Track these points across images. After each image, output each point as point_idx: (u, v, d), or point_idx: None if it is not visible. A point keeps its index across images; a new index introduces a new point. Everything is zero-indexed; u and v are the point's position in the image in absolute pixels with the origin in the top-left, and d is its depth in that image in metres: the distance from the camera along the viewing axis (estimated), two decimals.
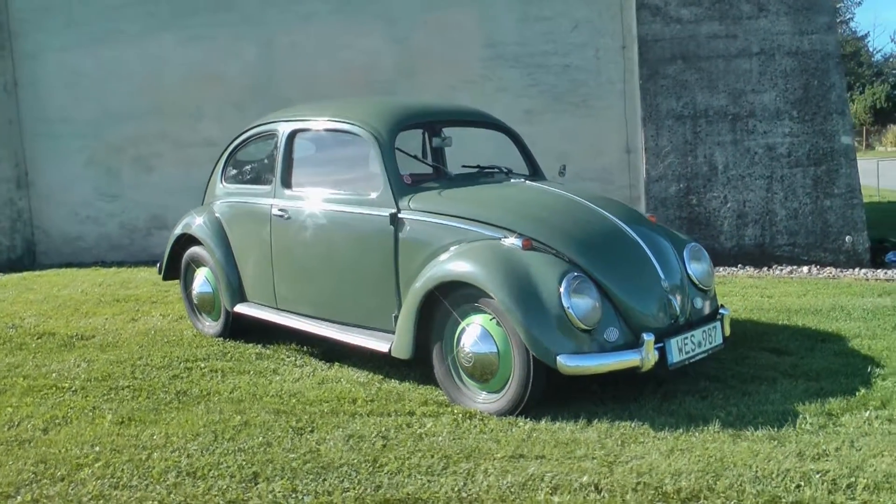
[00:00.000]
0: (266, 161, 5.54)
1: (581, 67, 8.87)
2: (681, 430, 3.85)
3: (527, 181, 4.98)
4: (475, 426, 4.05)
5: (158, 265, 6.46)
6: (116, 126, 9.53)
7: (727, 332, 4.58)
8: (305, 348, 5.57)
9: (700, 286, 4.69)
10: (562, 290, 4.00)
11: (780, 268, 7.94)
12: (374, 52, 9.24)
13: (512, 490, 3.31)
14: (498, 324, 4.15)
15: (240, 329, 5.84)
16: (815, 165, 7.99)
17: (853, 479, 3.27)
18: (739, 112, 8.15)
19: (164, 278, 6.41)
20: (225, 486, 3.49)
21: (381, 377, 4.92)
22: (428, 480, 3.45)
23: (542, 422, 4.04)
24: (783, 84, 8.06)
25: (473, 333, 4.24)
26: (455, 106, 6.05)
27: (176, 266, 6.26)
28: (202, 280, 5.98)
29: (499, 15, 8.99)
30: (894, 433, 3.76)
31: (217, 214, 5.87)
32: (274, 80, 9.35)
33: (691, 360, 4.28)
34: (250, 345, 5.72)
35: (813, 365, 4.80)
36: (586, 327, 4.01)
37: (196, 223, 5.95)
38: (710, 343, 4.41)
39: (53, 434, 4.20)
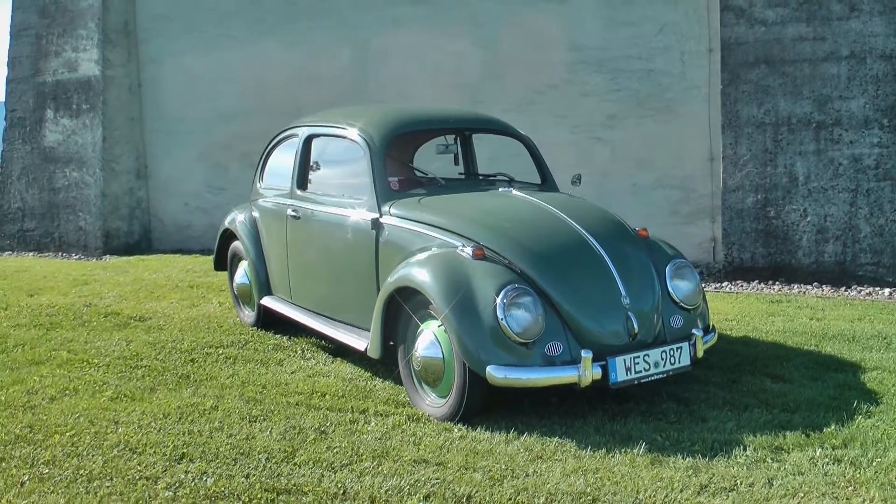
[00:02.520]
0: (288, 163, 5.87)
1: (665, 72, 8.60)
2: (602, 451, 3.79)
3: (515, 191, 4.99)
4: (410, 428, 4.17)
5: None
6: (225, 124, 10.25)
7: (699, 353, 4.41)
8: (322, 343, 5.85)
9: (682, 304, 4.55)
10: (498, 301, 4.03)
11: (859, 288, 7.38)
12: (461, 55, 9.39)
13: (388, 492, 3.43)
14: (446, 330, 4.24)
15: (273, 320, 6.21)
16: None
17: None
18: (824, 120, 7.63)
19: (216, 269, 6.92)
20: (150, 463, 3.83)
21: (369, 375, 5.12)
22: (322, 475, 3.63)
23: (476, 430, 4.10)
24: (874, 90, 7.47)
25: (426, 338, 4.35)
26: (467, 113, 6.10)
27: (225, 258, 6.74)
28: (242, 272, 6.41)
29: (584, 19, 8.88)
30: (829, 475, 3.53)
31: (253, 212, 6.28)
32: (366, 82, 9.72)
33: (644, 381, 4.17)
34: (277, 335, 6.08)
35: (803, 395, 4.52)
36: (523, 340, 4.02)
37: (237, 220, 6.39)
38: (672, 364, 4.27)
39: (56, 403, 4.72)
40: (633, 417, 4.21)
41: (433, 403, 4.35)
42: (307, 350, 5.71)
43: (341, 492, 3.47)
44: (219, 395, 4.81)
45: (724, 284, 7.79)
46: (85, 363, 5.50)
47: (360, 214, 5.00)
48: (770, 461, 3.68)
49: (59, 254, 10.32)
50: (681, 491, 3.36)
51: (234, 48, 10.15)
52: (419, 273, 4.32)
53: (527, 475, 3.54)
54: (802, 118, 7.71)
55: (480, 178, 5.59)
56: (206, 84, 10.32)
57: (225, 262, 6.74)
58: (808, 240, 7.67)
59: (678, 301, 4.55)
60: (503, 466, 3.64)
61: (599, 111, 8.90)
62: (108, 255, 10.06)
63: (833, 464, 3.64)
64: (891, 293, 7.24)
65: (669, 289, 4.55)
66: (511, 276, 4.16)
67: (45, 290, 7.86)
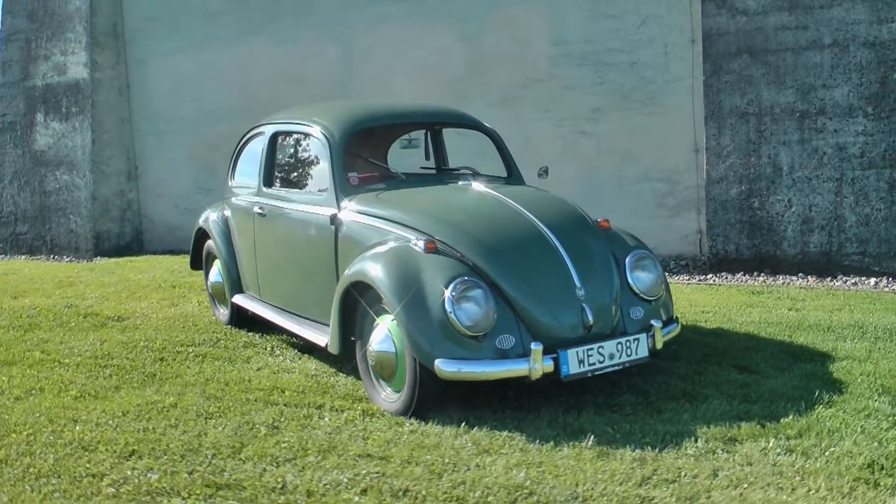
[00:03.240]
0: (257, 161, 5.85)
1: (649, 64, 8.53)
2: (549, 445, 3.74)
3: (475, 184, 4.94)
4: (362, 423, 4.14)
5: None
6: (212, 124, 10.27)
7: (658, 345, 4.35)
8: (293, 340, 5.82)
9: (642, 296, 4.50)
10: (447, 294, 3.99)
11: (845, 279, 7.29)
12: (445, 51, 9.36)
13: (325, 486, 3.40)
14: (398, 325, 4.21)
15: (246, 318, 6.20)
16: (891, 167, 7.25)
17: None
18: (808, 109, 7.54)
19: (193, 268, 6.92)
20: (100, 460, 3.81)
21: (333, 371, 5.10)
22: (264, 469, 3.60)
23: (428, 424, 4.06)
24: (857, 78, 7.37)
25: (380, 332, 4.32)
26: (431, 107, 6.06)
27: (201, 257, 6.74)
28: (216, 271, 6.41)
29: (566, 12, 8.83)
30: (778, 465, 3.47)
31: (225, 211, 6.27)
32: (352, 80, 9.72)
33: (598, 373, 4.12)
34: (250, 333, 6.06)
35: (767, 386, 4.45)
36: (473, 333, 3.98)
37: (210, 219, 6.38)
38: (629, 356, 4.21)
39: (20, 403, 4.72)
40: (588, 410, 4.16)
41: (388, 398, 4.33)
42: (277, 347, 5.69)
43: (280, 486, 3.44)
44: (181, 392, 4.79)
45: (708, 276, 7.72)
46: (56, 363, 5.50)
47: (320, 210, 4.98)
48: (720, 452, 3.62)
49: (52, 256, 10.39)
50: (621, 483, 3.31)
51: (221, 48, 10.17)
52: (372, 268, 4.30)
53: (468, 469, 3.50)
54: (786, 108, 7.62)
55: (443, 172, 5.55)
56: (193, 84, 10.35)
57: (200, 260, 6.74)
58: (793, 230, 7.59)
59: (638, 292, 4.49)
60: (446, 460, 3.60)
61: (584, 104, 8.85)
62: (98, 257, 10.11)
63: (785, 454, 3.57)
64: (876, 283, 7.15)
65: (629, 280, 4.50)
66: (462, 270, 4.12)
67: (30, 292, 7.89)
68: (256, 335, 5.99)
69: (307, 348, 5.58)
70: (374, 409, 4.33)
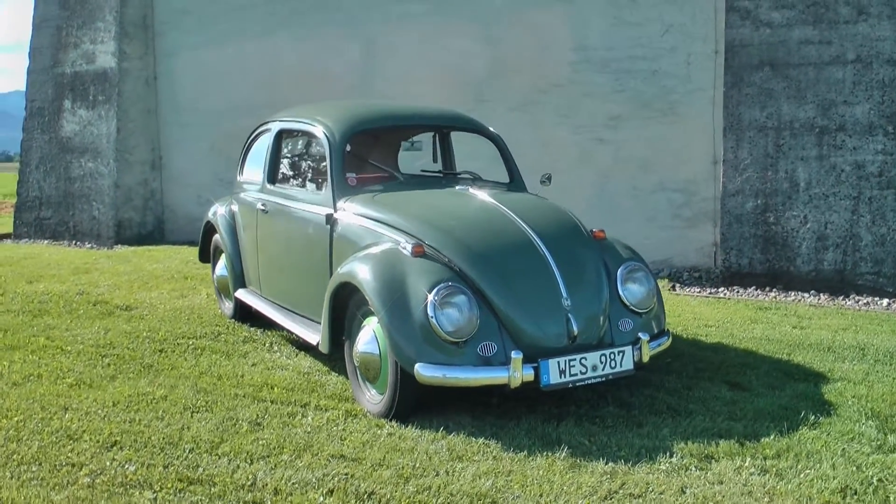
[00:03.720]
0: (262, 157, 5.91)
1: (670, 73, 8.46)
2: (523, 454, 3.73)
3: (472, 189, 4.94)
4: (343, 423, 4.17)
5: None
6: (236, 117, 10.33)
7: (645, 358, 4.31)
8: (292, 336, 5.85)
9: (633, 308, 4.47)
10: (429, 299, 4.00)
11: (858, 298, 7.16)
12: (467, 53, 9.36)
13: (294, 485, 3.43)
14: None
15: (250, 312, 6.25)
16: None
17: None
18: (828, 125, 7.42)
19: (202, 261, 7.00)
20: (82, 450, 3.88)
21: (326, 369, 5.13)
22: (238, 466, 3.64)
23: (407, 428, 4.08)
24: (879, 96, 7.24)
25: (366, 334, 4.34)
26: (435, 110, 6.05)
27: (209, 250, 6.82)
28: (222, 265, 6.48)
29: (589, 18, 8.78)
30: (749, 485, 3.43)
31: (233, 205, 6.33)
32: (373, 78, 9.76)
33: (579, 384, 4.10)
34: (252, 328, 6.12)
35: (754, 404, 4.40)
36: (454, 339, 3.98)
37: (218, 213, 6.45)
38: (613, 368, 4.18)
39: (17, 388, 4.81)
40: (569, 420, 4.14)
41: (372, 399, 4.35)
42: (276, 343, 5.74)
43: (250, 483, 3.48)
44: (173, 385, 4.85)
45: (719, 290, 7.64)
46: (59, 350, 5.60)
47: (318, 209, 5.01)
48: (693, 469, 3.59)
49: (74, 242, 10.57)
50: (586, 496, 3.30)
51: (247, 41, 10.27)
52: (359, 269, 4.32)
53: (437, 475, 3.51)
54: (805, 123, 7.51)
55: (445, 176, 5.55)
56: (219, 77, 10.46)
57: (209, 253, 6.82)
58: (808, 247, 7.48)
59: (629, 304, 4.47)
60: (417, 465, 3.61)
61: (602, 112, 8.80)
62: (119, 245, 10.26)
63: (759, 474, 3.53)
64: (889, 303, 7.02)
65: (620, 292, 4.48)
66: (446, 275, 4.12)
67: (46, 278, 8.04)
68: (258, 330, 6.05)
69: (305, 346, 5.60)
70: (358, 410, 4.36)
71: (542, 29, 9.01)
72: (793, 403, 4.40)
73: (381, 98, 9.42)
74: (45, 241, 10.78)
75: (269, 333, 5.96)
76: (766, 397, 4.51)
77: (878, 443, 3.89)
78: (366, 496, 3.33)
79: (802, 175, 7.51)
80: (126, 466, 3.68)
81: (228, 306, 6.47)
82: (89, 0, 10.47)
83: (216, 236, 6.52)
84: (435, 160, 6.14)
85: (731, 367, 5.08)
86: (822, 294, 7.32)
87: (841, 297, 7.22)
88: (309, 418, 4.26)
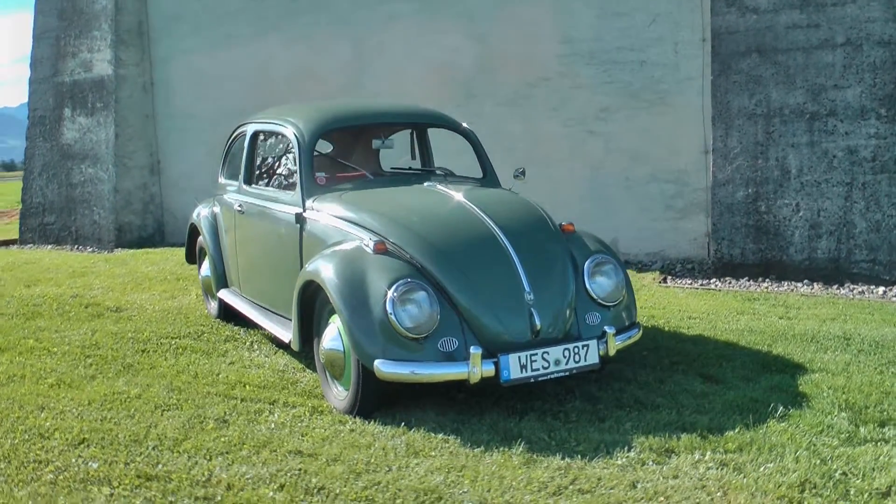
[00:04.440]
0: (238, 159, 5.93)
1: (658, 63, 8.39)
2: (480, 449, 3.71)
3: (439, 185, 4.92)
4: (307, 420, 4.17)
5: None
6: (231, 121, 10.32)
7: (611, 351, 4.27)
8: (275, 336, 5.89)
9: (600, 301, 4.43)
10: (389, 295, 3.99)
11: (853, 287, 7.06)
12: (455, 50, 9.34)
13: (246, 480, 3.45)
14: None
15: (234, 312, 6.29)
16: None
17: None
18: (818, 110, 7.32)
19: (189, 262, 7.05)
20: (51, 447, 3.92)
21: (301, 367, 5.15)
22: (196, 462, 3.67)
23: (370, 424, 4.08)
24: (871, 78, 7.13)
25: (331, 331, 4.34)
26: (405, 107, 6.03)
27: (195, 251, 6.86)
28: (206, 265, 6.51)
29: (575, 11, 8.72)
30: (705, 479, 3.39)
31: (215, 207, 6.37)
32: (363, 77, 9.78)
33: (541, 379, 4.06)
34: (236, 327, 6.15)
35: (724, 397, 4.34)
36: (414, 335, 3.97)
37: (201, 214, 6.49)
38: (577, 362, 4.14)
39: (1, 388, 4.87)
40: (532, 416, 4.11)
41: (338, 395, 4.35)
42: (256, 342, 5.76)
43: (205, 479, 3.50)
44: (149, 384, 4.88)
45: (711, 281, 7.57)
46: (45, 351, 5.66)
47: (288, 209, 5.03)
48: (650, 464, 3.55)
49: (76, 246, 10.68)
50: (534, 492, 3.27)
51: (239, 46, 10.32)
52: (323, 267, 4.32)
53: (389, 470, 3.50)
54: (795, 109, 7.42)
55: (418, 172, 5.54)
56: (213, 82, 10.52)
57: (195, 255, 6.86)
58: (801, 235, 7.39)
59: (596, 298, 4.43)
60: (372, 461, 3.60)
61: (592, 104, 8.74)
62: (119, 249, 10.36)
63: (717, 468, 3.49)
64: (885, 291, 6.91)
65: (587, 285, 4.44)
66: (407, 271, 4.11)
67: (43, 281, 8.13)
68: (241, 330, 6.07)
69: (284, 345, 5.62)
70: (325, 407, 4.37)
71: (529, 23, 8.97)
72: (764, 396, 4.34)
73: (372, 96, 9.43)
74: (49, 247, 10.91)
75: (252, 332, 5.98)
76: (739, 390, 4.46)
77: (848, 435, 3.81)
78: (316, 491, 3.33)
79: (794, 162, 7.42)
80: (90, 463, 3.72)
81: (214, 306, 6.50)
82: (86, 10, 10.57)
83: (200, 237, 6.56)
84: (413, 157, 6.14)
85: (708, 360, 5.02)
86: (815, 283, 7.23)
87: (835, 286, 7.12)
88: (276, 415, 4.27)
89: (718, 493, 3.26)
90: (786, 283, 7.29)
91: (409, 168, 5.59)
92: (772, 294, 6.89)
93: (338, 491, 3.32)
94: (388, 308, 3.97)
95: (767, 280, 7.42)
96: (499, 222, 4.42)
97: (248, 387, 4.76)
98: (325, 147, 5.62)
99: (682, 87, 8.31)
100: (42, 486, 3.53)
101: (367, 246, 4.28)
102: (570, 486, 3.32)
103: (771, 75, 7.51)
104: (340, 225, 4.63)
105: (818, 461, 3.53)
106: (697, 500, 3.21)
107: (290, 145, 5.20)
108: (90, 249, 10.51)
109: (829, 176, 7.29)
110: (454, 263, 4.20)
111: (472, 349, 3.93)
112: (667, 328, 5.82)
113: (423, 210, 4.60)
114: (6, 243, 11.28)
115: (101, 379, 5.03)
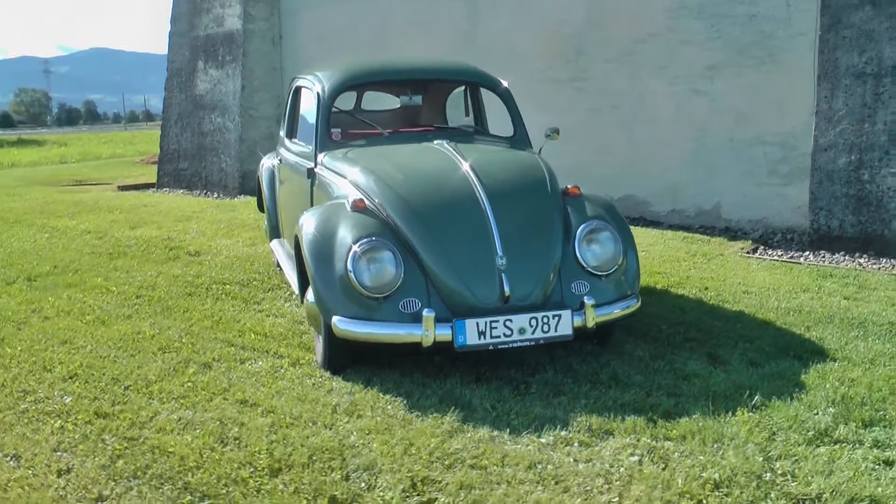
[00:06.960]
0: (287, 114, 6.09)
1: (769, 17, 7.71)
2: (415, 414, 3.68)
3: (447, 144, 4.80)
4: (280, 372, 4.30)
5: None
6: None
7: (590, 323, 4.07)
8: None
9: (591, 270, 4.24)
10: (351, 253, 4.01)
11: None
12: (566, 5, 9.05)
13: (180, 424, 3.62)
14: None
15: None
16: None
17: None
18: None
19: (260, 210, 7.34)
20: (45, 379, 4.28)
21: None
22: (149, 405, 3.89)
23: (336, 381, 4.13)
24: None
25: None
26: (440, 63, 5.88)
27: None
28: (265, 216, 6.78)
29: None
30: (617, 465, 3.20)
31: (274, 159, 6.60)
32: (476, 33, 9.69)
33: (503, 347, 3.94)
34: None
35: (710, 381, 4.04)
36: (374, 295, 3.98)
37: (264, 166, 6.74)
38: (545, 332, 3.98)
39: (45, 321, 5.36)
40: (491, 385, 4.01)
41: (319, 350, 4.44)
42: (295, 294, 5.96)
43: (149, 419, 3.70)
44: (169, 326, 5.16)
45: (803, 254, 6.96)
46: (105, 290, 6.12)
47: (306, 163, 5.14)
48: (575, 444, 3.38)
49: (205, 192, 11.41)
50: (430, 462, 3.21)
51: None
52: (305, 222, 4.40)
53: (313, 426, 3.56)
54: None
55: (439, 130, 5.44)
56: (335, 34, 10.80)
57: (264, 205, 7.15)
58: None
59: (586, 266, 4.23)
60: (301, 415, 3.67)
61: (699, 61, 8.21)
62: (242, 195, 10.95)
63: (641, 456, 3.27)
64: None
65: (577, 252, 4.24)
66: (375, 229, 4.10)
67: (149, 224, 8.78)
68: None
69: None
70: (305, 360, 4.47)
71: None
72: (755, 383, 3.99)
73: (483, 53, 9.29)
74: (181, 191, 11.73)
75: None
76: (733, 374, 4.12)
77: (818, 433, 3.46)
78: (230, 440, 3.45)
79: None
80: (65, 398, 4.02)
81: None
82: None
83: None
84: (466, 114, 6.05)
85: (727, 339, 4.68)
86: None
87: None
88: (258, 364, 4.43)
89: (618, 483, 3.07)
90: (884, 260, 6.59)
91: (433, 125, 5.51)
92: (853, 272, 6.24)
93: (247, 442, 3.42)
94: (349, 265, 3.99)
95: (865, 256, 6.73)
96: (487, 184, 4.30)
97: (255, 335, 4.93)
98: (350, 103, 5.66)
99: (794, 42, 7.61)
100: (11, 415, 3.83)
101: (347, 203, 4.30)
102: (471, 461, 3.23)
103: (885, 29, 6.70)
104: (338, 181, 4.68)
105: (760, 459, 3.23)
106: (591, 488, 3.04)
107: (315, 100, 5.28)
108: (216, 195, 11.19)
109: None
110: (425, 224, 4.14)
111: (425, 311, 3.88)
112: (711, 302, 5.45)
113: (413, 169, 4.55)
114: (146, 186, 12.24)
115: (135, 319, 5.35)
